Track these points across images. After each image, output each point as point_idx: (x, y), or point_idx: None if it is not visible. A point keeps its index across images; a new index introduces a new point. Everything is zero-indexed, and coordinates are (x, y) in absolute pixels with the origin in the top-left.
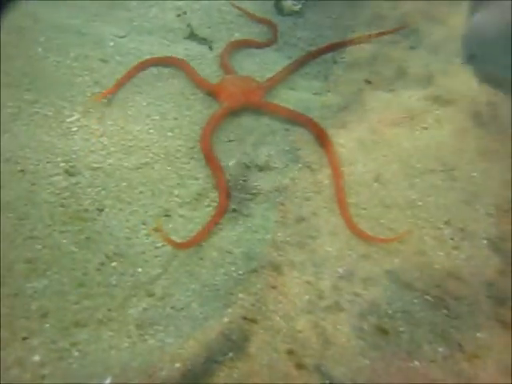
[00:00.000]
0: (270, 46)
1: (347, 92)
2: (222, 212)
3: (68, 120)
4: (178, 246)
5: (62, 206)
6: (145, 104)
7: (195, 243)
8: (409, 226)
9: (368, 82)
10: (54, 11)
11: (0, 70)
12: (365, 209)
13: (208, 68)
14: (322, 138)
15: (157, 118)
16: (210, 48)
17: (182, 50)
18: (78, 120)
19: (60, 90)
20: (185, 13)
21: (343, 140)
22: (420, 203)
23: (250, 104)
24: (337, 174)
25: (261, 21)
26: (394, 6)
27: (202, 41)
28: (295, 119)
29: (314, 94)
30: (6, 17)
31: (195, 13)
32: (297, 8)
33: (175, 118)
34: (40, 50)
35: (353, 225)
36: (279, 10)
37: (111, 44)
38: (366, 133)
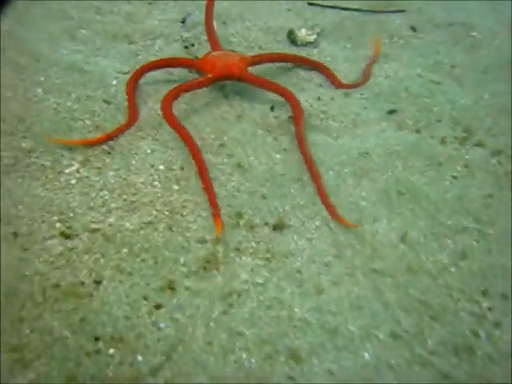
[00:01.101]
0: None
1: (367, 134)
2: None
3: (66, 171)
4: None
5: (56, 278)
6: (149, 151)
7: None
8: (441, 298)
9: (390, 121)
10: (55, 47)
11: None
12: (392, 276)
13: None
14: (295, 114)
15: (162, 167)
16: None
17: None
18: (77, 171)
19: (59, 137)
20: (192, 45)
21: (365, 192)
22: (453, 269)
23: (232, 75)
24: (308, 158)
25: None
26: (414, 35)
27: None
28: (274, 90)
29: (331, 136)
30: (4, 54)
31: (203, 44)
32: (311, 38)
33: (181, 168)
34: (39, 91)
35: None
36: (292, 40)
37: (114, 82)
38: (391, 183)
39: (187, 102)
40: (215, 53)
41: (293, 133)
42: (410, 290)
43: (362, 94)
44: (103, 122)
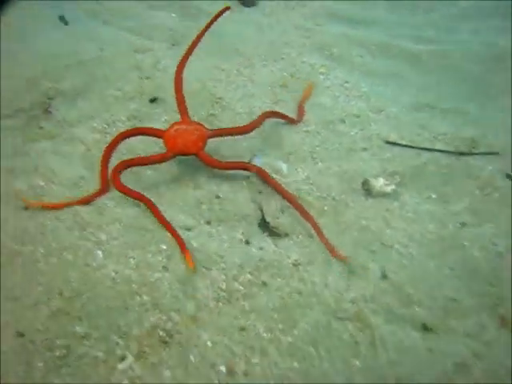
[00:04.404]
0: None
1: (463, 330)
2: None
3: (119, 366)
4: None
5: None
6: (210, 344)
7: None
8: None
9: (492, 314)
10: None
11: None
12: None
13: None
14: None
15: (223, 369)
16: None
17: (256, 249)
18: (130, 367)
19: (114, 317)
20: (260, 192)
21: None
22: None
23: (189, 153)
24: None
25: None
26: None
27: (273, 232)
28: (231, 168)
29: (417, 329)
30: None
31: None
32: (388, 189)
33: (245, 374)
34: (99, 253)
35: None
36: (367, 190)
37: None
38: None
39: (254, 273)
40: (178, 127)
41: (373, 332)
42: None
43: (452, 270)
44: (161, 299)
